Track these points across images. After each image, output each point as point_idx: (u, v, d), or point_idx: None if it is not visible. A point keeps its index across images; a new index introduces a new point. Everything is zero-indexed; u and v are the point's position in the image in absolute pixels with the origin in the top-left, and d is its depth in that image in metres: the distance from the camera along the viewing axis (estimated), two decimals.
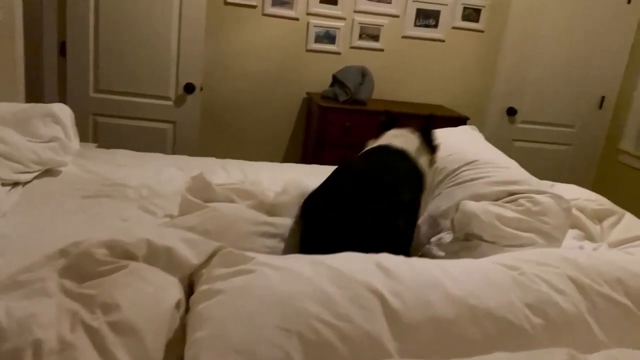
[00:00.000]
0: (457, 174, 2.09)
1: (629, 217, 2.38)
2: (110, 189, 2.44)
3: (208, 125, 4.38)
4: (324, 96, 4.17)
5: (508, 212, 1.74)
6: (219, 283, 1.18)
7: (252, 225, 1.72)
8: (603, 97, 4.74)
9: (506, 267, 1.34)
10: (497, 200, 1.86)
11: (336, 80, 4.19)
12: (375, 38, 4.42)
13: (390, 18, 4.40)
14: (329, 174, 1.94)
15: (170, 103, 4.02)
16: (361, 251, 1.34)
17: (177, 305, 1.27)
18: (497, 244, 1.69)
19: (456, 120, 4.01)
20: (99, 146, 3.88)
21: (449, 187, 2.06)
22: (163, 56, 3.90)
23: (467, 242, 1.74)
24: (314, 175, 2.30)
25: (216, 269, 1.25)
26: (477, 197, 1.88)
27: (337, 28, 4.35)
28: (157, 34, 3.85)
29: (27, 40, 3.68)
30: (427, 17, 4.43)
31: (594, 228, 2.30)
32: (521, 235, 1.69)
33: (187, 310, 1.27)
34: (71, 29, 3.82)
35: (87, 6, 3.76)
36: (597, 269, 1.36)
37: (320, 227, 1.71)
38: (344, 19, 4.33)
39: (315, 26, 4.31)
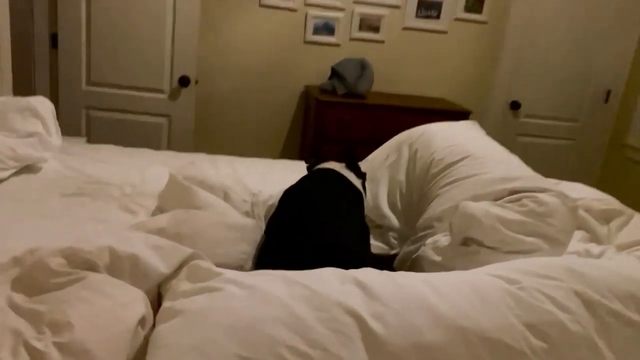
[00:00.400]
0: (456, 167, 1.96)
1: (638, 217, 2.25)
2: (91, 187, 2.33)
3: (204, 119, 4.29)
4: (322, 89, 4.08)
5: (511, 213, 1.59)
6: (181, 301, 1.05)
7: (227, 231, 1.60)
8: (609, 91, 4.63)
9: (503, 281, 1.19)
10: (498, 199, 1.72)
11: (335, 73, 4.09)
12: (376, 29, 4.30)
13: (391, 9, 4.28)
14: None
15: (164, 96, 3.93)
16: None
17: (142, 322, 1.15)
18: (498, 250, 1.55)
19: (458, 114, 3.92)
20: (92, 141, 3.81)
21: (447, 183, 1.93)
22: (157, 48, 3.81)
23: (466, 247, 1.60)
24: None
25: (182, 282, 1.13)
26: (477, 198, 1.74)
27: (337, 19, 4.23)
28: (150, 25, 3.75)
29: (17, 32, 3.59)
30: (429, 8, 4.31)
31: (601, 229, 2.17)
32: (524, 240, 1.54)
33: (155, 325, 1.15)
34: (62, 21, 3.74)
35: None
36: (608, 282, 1.21)
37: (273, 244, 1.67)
38: (343, 9, 4.22)
39: (313, 17, 4.20)
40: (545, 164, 4.48)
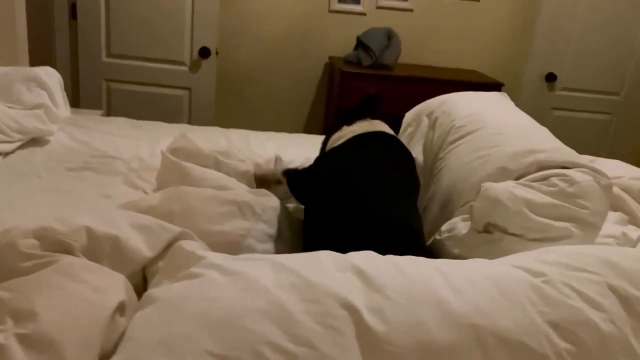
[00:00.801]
0: (477, 134, 1.80)
1: None
2: (97, 160, 2.26)
3: (225, 92, 4.21)
4: (347, 60, 3.95)
5: (538, 195, 1.42)
6: (158, 288, 0.93)
7: (221, 206, 1.48)
8: None
9: (527, 273, 1.04)
10: (523, 176, 1.55)
11: (360, 44, 3.95)
12: None
13: None
14: None
15: (185, 68, 3.87)
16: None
17: (121, 309, 1.04)
18: (523, 238, 1.38)
19: (490, 86, 3.74)
20: (112, 114, 3.77)
21: (468, 157, 1.77)
22: (176, 18, 3.74)
23: (488, 234, 1.43)
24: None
25: (164, 266, 1.01)
26: (501, 172, 1.58)
27: None
28: None
29: (37, 3, 3.52)
30: None
31: None
32: (553, 226, 1.37)
33: None
34: None
35: None
36: None
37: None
38: None
39: None
40: (583, 139, 4.32)
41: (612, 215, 1.99)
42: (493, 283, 0.97)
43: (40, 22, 3.71)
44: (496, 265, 1.08)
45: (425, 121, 2.14)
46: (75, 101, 3.91)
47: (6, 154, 2.20)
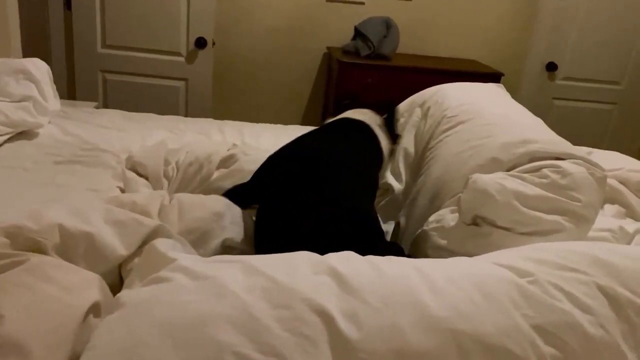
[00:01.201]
0: (469, 125, 1.76)
1: None
2: (87, 154, 2.22)
3: (222, 83, 4.18)
4: (345, 51, 3.91)
5: (529, 187, 1.38)
6: (126, 292, 0.90)
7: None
8: None
9: (513, 272, 0.99)
10: (514, 167, 1.51)
11: (358, 33, 3.91)
12: None
13: None
14: None
15: (181, 59, 3.85)
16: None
17: (95, 310, 1.00)
18: (513, 231, 1.34)
19: (489, 76, 3.68)
20: (109, 106, 3.74)
21: (458, 147, 1.72)
22: (173, 8, 3.71)
23: (476, 227, 1.39)
24: None
25: (138, 266, 0.98)
26: (492, 163, 1.54)
27: None
28: None
29: None
30: None
31: (639, 204, 1.95)
32: (544, 219, 1.32)
33: None
34: None
35: None
36: None
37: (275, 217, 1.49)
38: None
39: None
40: (584, 129, 4.32)
41: (609, 208, 1.95)
42: (475, 284, 0.93)
43: (34, 14, 3.68)
44: (479, 264, 1.03)
45: (418, 111, 2.10)
46: (71, 93, 3.89)
47: None
